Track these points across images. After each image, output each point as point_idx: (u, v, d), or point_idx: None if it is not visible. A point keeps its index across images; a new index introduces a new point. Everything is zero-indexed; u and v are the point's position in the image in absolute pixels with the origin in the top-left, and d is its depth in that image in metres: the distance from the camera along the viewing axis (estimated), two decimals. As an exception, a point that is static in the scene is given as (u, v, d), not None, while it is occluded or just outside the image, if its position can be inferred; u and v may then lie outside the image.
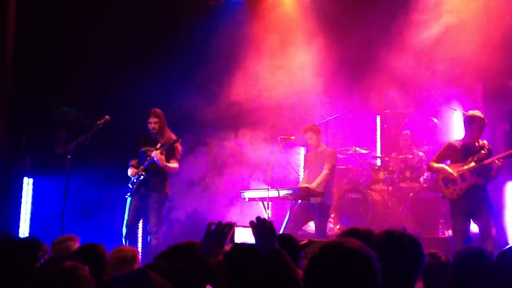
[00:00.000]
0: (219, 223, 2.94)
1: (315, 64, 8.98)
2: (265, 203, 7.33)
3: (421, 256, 2.83)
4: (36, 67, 8.17)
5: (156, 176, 7.22)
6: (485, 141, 6.57)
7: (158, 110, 7.36)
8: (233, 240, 3.16)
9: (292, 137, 7.70)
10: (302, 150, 8.48)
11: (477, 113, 6.52)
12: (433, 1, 8.51)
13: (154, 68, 8.72)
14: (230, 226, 2.93)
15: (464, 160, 6.46)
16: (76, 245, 4.61)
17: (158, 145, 7.18)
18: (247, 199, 7.53)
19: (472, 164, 6.38)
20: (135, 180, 7.23)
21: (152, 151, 7.17)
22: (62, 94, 8.51)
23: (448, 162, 6.65)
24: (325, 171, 7.45)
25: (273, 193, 7.20)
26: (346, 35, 9.02)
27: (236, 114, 8.99)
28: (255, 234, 2.88)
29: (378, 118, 9.29)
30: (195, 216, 8.59)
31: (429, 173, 7.78)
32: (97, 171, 8.23)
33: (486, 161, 6.30)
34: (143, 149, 7.35)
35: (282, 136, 7.61)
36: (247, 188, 7.88)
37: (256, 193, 7.46)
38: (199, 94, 8.81)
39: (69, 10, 8.33)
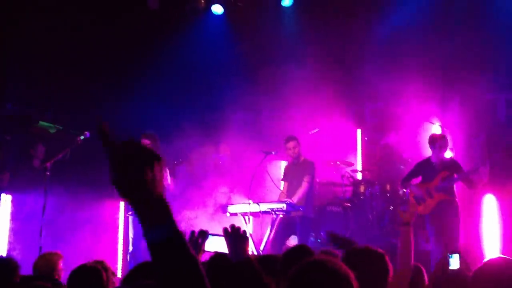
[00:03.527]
0: (192, 233, 2.93)
1: (296, 79, 9.06)
2: (246, 217, 7.32)
3: (387, 269, 2.88)
4: (15, 80, 8.12)
5: None
6: (451, 158, 7.23)
7: (150, 132, 7.55)
8: (203, 249, 3.14)
9: (273, 152, 7.73)
10: (283, 164, 8.49)
11: (438, 134, 7.28)
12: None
13: (134, 85, 8.75)
14: (204, 234, 2.92)
15: (432, 177, 7.01)
16: (59, 261, 4.56)
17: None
18: (228, 214, 7.51)
19: (437, 181, 6.92)
20: None
21: None
22: (41, 108, 8.46)
23: (418, 180, 7.20)
24: (304, 184, 7.50)
25: (254, 208, 7.20)
26: (327, 49, 9.12)
27: (216, 129, 9.03)
28: (228, 242, 2.87)
29: (359, 132, 9.36)
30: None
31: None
32: (77, 187, 8.17)
33: (447, 179, 6.87)
34: None
35: (263, 150, 7.64)
36: (228, 203, 7.86)
37: (237, 208, 7.45)
38: (180, 108, 8.83)
39: (48, 23, 8.31)
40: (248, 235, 2.95)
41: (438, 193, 6.91)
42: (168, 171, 7.73)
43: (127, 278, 3.42)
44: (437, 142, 7.10)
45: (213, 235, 3.34)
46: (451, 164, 7.10)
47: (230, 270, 2.87)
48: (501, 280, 2.45)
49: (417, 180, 7.19)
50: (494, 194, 7.20)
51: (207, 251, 3.25)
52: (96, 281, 3.41)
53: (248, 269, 2.75)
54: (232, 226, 2.93)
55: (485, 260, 3.18)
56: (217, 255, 3.09)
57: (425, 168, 7.17)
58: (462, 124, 7.59)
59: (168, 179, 7.76)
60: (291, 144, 7.62)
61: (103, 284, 3.44)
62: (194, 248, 2.86)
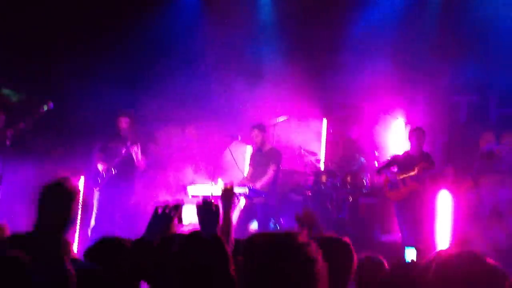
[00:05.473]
0: (166, 205, 2.91)
1: (267, 65, 9.10)
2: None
3: (352, 259, 2.95)
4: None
5: (126, 171, 7.73)
6: (428, 153, 7.48)
7: (130, 111, 7.94)
8: (181, 220, 3.14)
9: (239, 137, 7.78)
10: (248, 149, 8.52)
11: (416, 127, 7.55)
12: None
13: (102, 61, 8.59)
14: (178, 207, 2.91)
15: (408, 168, 7.26)
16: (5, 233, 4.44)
17: (129, 143, 7.70)
18: (190, 196, 7.51)
19: (413, 172, 7.19)
20: (105, 175, 7.65)
21: (122, 148, 7.64)
22: (4, 76, 8.21)
23: (395, 169, 7.46)
24: (270, 172, 7.58)
25: (217, 190, 7.22)
26: (300, 39, 9.19)
27: (184, 111, 8.98)
28: (199, 215, 2.87)
29: (325, 122, 9.46)
30: (136, 209, 8.47)
31: (371, 179, 8.33)
32: (38, 159, 7.99)
33: (424, 170, 7.17)
34: (112, 146, 7.77)
35: (229, 135, 7.68)
36: (191, 184, 7.86)
37: (200, 190, 7.46)
38: (147, 89, 8.73)
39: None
40: (218, 209, 2.95)
41: (413, 183, 7.20)
42: (139, 148, 7.67)
43: (88, 252, 3.40)
44: (414, 134, 7.43)
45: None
46: (427, 158, 7.41)
47: (199, 247, 2.87)
48: (450, 271, 2.53)
49: (392, 169, 7.51)
50: (449, 190, 7.43)
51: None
52: None
53: (215, 247, 2.73)
54: (205, 200, 2.95)
55: (436, 252, 3.27)
56: (194, 233, 3.10)
57: (403, 159, 7.44)
58: (425, 123, 7.87)
59: (139, 156, 7.70)
60: (254, 133, 7.75)
61: None
62: (166, 221, 2.84)
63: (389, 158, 7.71)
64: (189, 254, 2.99)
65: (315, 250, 2.13)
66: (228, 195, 3.49)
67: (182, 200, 3.03)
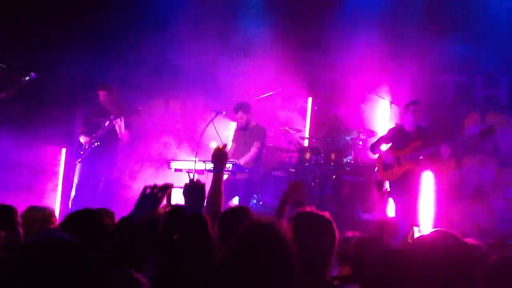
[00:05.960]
0: (154, 186, 2.89)
1: (254, 41, 9.02)
2: (191, 174, 7.29)
3: (334, 235, 2.94)
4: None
5: (109, 144, 7.67)
6: (426, 127, 6.98)
7: (108, 84, 7.82)
8: (170, 202, 3.13)
9: (223, 112, 7.69)
10: (232, 125, 8.46)
11: (413, 99, 7.00)
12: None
13: (83, 30, 8.47)
14: (166, 188, 2.89)
15: (403, 145, 6.78)
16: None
17: (112, 116, 7.62)
18: (173, 170, 7.46)
19: (409, 150, 6.70)
20: (87, 147, 7.60)
21: (105, 120, 7.61)
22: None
23: (388, 146, 7.02)
24: (253, 149, 7.53)
25: (200, 165, 7.18)
26: (287, 15, 9.10)
27: (168, 84, 8.89)
28: (185, 194, 2.89)
29: (310, 100, 9.42)
30: (118, 182, 8.42)
31: (355, 157, 8.29)
32: (19, 130, 7.90)
33: (420, 149, 6.65)
34: (95, 119, 7.70)
35: (213, 109, 7.59)
36: (174, 159, 7.80)
37: (183, 164, 7.41)
38: (132, 60, 8.61)
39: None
40: (204, 189, 2.97)
41: (408, 162, 6.73)
42: (123, 121, 7.59)
43: (64, 222, 3.34)
44: (410, 107, 6.87)
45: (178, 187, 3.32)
46: (425, 133, 6.89)
47: (183, 224, 2.88)
48: (437, 251, 2.55)
49: (385, 147, 7.05)
50: (432, 171, 7.35)
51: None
52: None
53: (198, 224, 2.75)
54: (191, 180, 2.96)
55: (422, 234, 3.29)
56: (174, 209, 3.08)
57: (397, 135, 6.94)
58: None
59: (123, 129, 7.63)
60: (238, 114, 7.65)
61: None
62: (153, 201, 2.83)
63: (385, 134, 7.18)
64: (171, 232, 2.99)
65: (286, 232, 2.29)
66: (219, 155, 3.52)
67: (172, 183, 2.99)
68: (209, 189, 3.21)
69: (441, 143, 6.53)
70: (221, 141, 7.91)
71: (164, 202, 2.98)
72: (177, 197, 3.28)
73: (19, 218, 3.67)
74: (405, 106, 6.95)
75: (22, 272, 1.83)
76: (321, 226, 2.96)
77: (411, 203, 6.69)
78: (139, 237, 2.74)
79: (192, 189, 2.89)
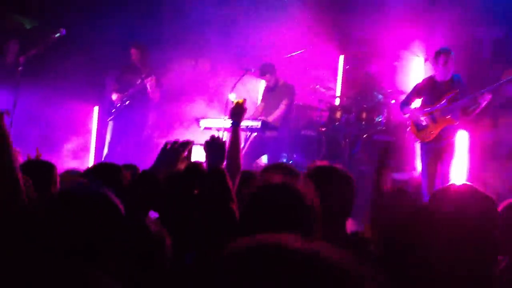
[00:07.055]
0: (175, 142, 2.92)
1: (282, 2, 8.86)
2: (220, 132, 7.31)
3: (352, 190, 2.91)
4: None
5: (140, 102, 7.76)
6: (459, 77, 6.25)
7: (141, 43, 7.89)
8: (190, 158, 3.16)
9: (252, 69, 7.67)
10: (262, 82, 8.40)
11: (442, 48, 6.28)
12: None
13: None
14: (187, 144, 2.93)
15: (436, 98, 6.20)
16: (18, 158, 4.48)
17: (144, 75, 7.70)
18: (202, 128, 7.49)
19: (443, 103, 6.13)
20: (118, 105, 7.71)
21: (136, 79, 7.70)
22: (16, 3, 8.12)
23: (420, 101, 6.46)
24: (282, 107, 7.50)
25: (229, 124, 7.16)
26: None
27: (197, 44, 8.84)
28: (206, 150, 2.94)
29: (341, 58, 9.24)
30: (149, 141, 8.52)
31: (388, 116, 8.08)
32: (51, 87, 8.01)
33: (456, 101, 6.07)
34: (127, 77, 7.85)
35: (242, 67, 7.57)
36: (204, 117, 7.83)
37: (212, 122, 7.43)
38: (162, 18, 8.58)
39: None
40: (224, 144, 3.00)
41: (443, 118, 6.12)
42: (154, 80, 7.67)
43: (89, 171, 3.42)
44: (441, 57, 6.12)
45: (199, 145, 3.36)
46: (460, 82, 6.22)
47: (203, 179, 2.92)
48: (461, 202, 2.49)
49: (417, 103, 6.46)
50: (467, 130, 7.12)
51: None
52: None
53: (217, 180, 2.78)
54: (212, 136, 3.00)
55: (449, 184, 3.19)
56: (193, 164, 3.11)
57: (428, 88, 6.27)
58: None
59: (154, 88, 7.72)
60: (266, 77, 7.63)
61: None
62: (174, 156, 2.85)
63: (413, 89, 6.46)
64: (191, 187, 3.03)
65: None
66: (238, 110, 3.51)
67: (193, 140, 3.03)
68: (228, 145, 3.21)
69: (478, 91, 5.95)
70: (250, 99, 7.90)
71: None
72: (201, 155, 3.31)
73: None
74: (435, 54, 6.21)
75: (59, 219, 1.91)
76: (339, 180, 2.93)
77: (443, 170, 6.16)
78: (158, 190, 2.77)
79: (213, 144, 2.92)
